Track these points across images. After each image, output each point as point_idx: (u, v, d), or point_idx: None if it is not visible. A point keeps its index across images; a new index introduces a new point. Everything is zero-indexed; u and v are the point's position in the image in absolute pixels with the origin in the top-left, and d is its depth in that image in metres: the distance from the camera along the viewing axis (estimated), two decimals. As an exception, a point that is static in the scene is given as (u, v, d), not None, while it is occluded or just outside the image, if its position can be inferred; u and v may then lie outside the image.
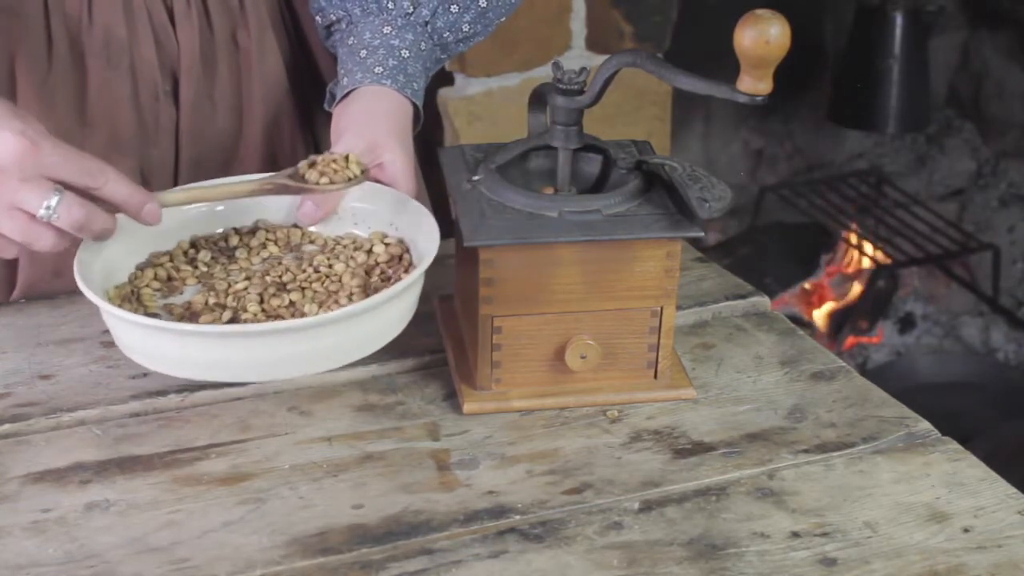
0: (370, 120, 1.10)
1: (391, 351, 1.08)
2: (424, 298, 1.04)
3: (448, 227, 1.04)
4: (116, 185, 0.98)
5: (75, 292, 1.15)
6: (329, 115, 1.16)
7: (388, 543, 0.89)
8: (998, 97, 2.94)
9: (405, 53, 1.14)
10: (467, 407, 1.02)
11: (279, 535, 0.89)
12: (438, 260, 1.02)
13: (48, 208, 0.95)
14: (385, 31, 1.14)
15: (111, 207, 0.99)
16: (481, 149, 1.07)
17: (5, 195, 0.95)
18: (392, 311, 0.99)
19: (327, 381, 1.05)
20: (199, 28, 1.18)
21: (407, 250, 1.07)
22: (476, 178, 1.02)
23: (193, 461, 0.96)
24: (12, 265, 1.20)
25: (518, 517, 0.91)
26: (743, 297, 1.18)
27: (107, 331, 1.10)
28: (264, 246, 1.09)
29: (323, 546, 0.88)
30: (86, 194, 0.97)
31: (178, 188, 1.05)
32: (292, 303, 1.02)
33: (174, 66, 1.18)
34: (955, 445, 1.00)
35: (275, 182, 1.05)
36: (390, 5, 1.15)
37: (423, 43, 1.16)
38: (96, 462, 0.96)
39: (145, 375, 1.05)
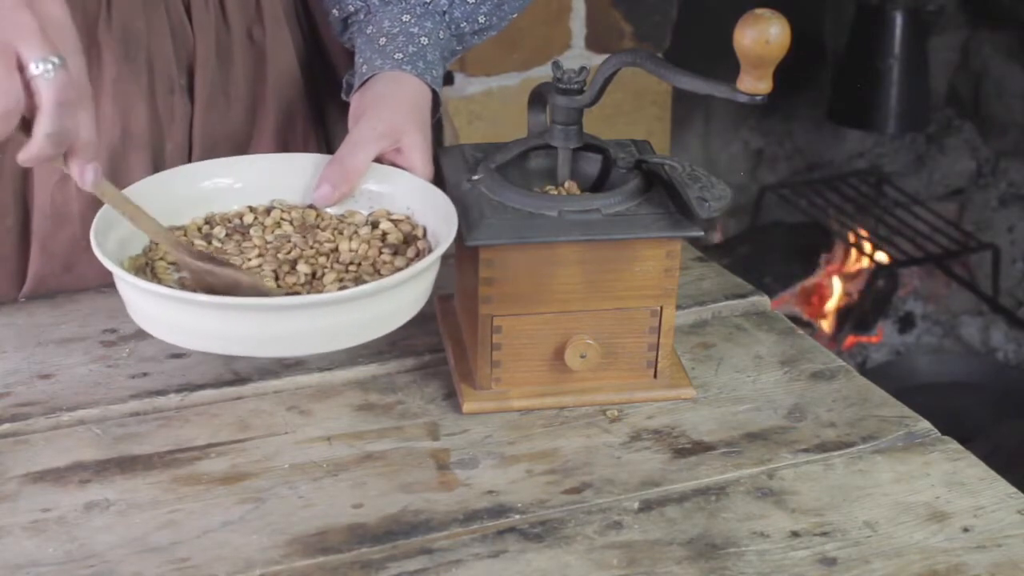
0: (389, 104, 1.10)
1: (391, 351, 1.08)
2: (432, 288, 1.04)
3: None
4: (89, 119, 0.90)
5: (81, 289, 1.16)
6: (341, 110, 1.16)
7: (388, 543, 0.89)
8: (998, 97, 2.94)
9: (424, 40, 1.14)
10: (467, 407, 1.02)
11: (279, 535, 0.89)
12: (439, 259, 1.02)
13: (49, 64, 0.86)
14: (404, 19, 1.15)
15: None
16: (481, 149, 1.07)
17: (14, 28, 0.85)
18: (411, 291, 0.99)
19: (327, 381, 1.05)
20: (215, 23, 1.18)
21: (424, 234, 1.07)
22: (476, 178, 1.02)
23: (193, 461, 0.96)
24: (23, 259, 1.20)
25: (518, 517, 0.91)
26: (743, 297, 1.18)
27: (107, 330, 1.10)
28: (279, 224, 1.09)
29: (323, 546, 0.88)
30: None
31: (123, 193, 0.99)
32: (310, 278, 1.02)
33: (190, 60, 1.19)
34: (955, 445, 1.00)
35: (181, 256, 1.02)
36: None
37: (441, 32, 1.16)
38: (96, 462, 0.96)
39: (145, 375, 1.05)
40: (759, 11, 0.91)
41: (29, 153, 0.89)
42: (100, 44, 1.15)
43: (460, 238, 0.99)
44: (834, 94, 2.83)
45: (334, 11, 1.19)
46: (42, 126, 0.88)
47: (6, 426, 0.99)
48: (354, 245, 1.05)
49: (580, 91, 1.01)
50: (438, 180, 1.09)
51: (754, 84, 0.93)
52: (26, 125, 0.89)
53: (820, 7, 2.87)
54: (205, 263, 1.00)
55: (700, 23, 2.27)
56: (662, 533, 0.90)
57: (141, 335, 1.09)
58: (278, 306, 0.95)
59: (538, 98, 1.07)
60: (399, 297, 0.99)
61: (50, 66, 0.86)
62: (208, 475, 0.95)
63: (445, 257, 1.01)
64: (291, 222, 1.09)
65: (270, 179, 1.11)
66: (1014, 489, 0.95)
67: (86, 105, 0.90)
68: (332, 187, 1.08)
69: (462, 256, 1.05)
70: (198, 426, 1.00)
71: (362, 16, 1.17)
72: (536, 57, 2.26)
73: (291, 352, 1.00)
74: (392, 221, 1.07)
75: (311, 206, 1.10)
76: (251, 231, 1.08)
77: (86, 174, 0.93)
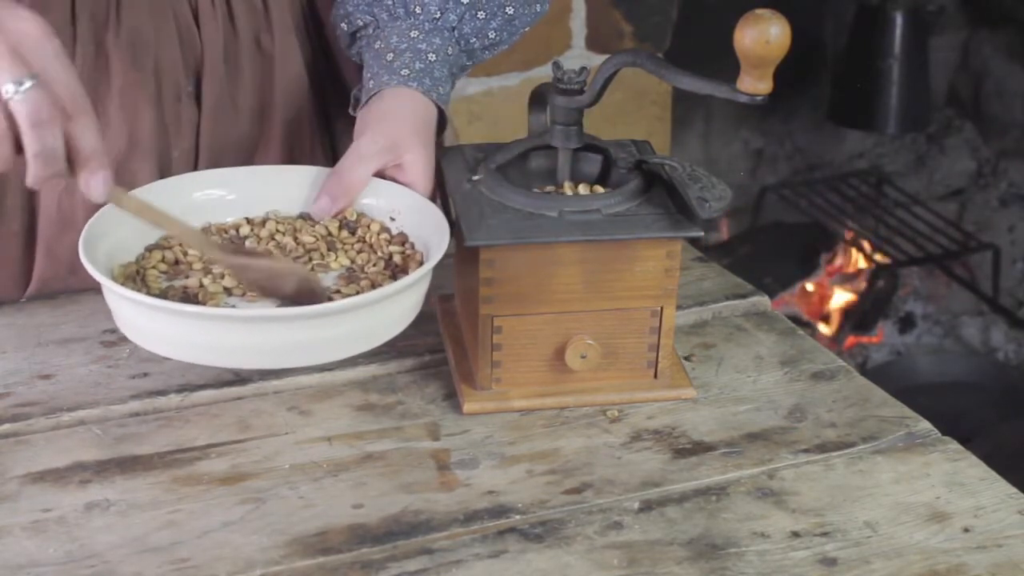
0: (393, 119, 1.10)
1: (391, 351, 1.08)
2: (424, 298, 1.04)
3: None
4: (88, 128, 0.89)
5: (85, 291, 1.16)
6: (349, 120, 1.15)
7: (388, 543, 0.89)
8: (998, 97, 2.94)
9: (432, 57, 1.13)
10: (467, 407, 1.02)
11: (279, 535, 0.89)
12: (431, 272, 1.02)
13: (19, 86, 0.84)
14: (412, 35, 1.14)
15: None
16: (481, 149, 1.07)
17: None
18: (401, 303, 1.00)
19: (327, 381, 1.05)
20: (223, 29, 1.18)
21: (412, 245, 1.07)
22: (476, 178, 1.02)
23: (193, 461, 0.96)
24: (28, 262, 1.20)
25: (518, 517, 0.91)
26: (743, 297, 1.18)
27: (107, 331, 1.10)
28: (272, 237, 1.09)
29: (323, 546, 0.88)
30: None
31: (136, 194, 0.99)
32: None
33: (198, 66, 1.18)
34: (955, 445, 1.00)
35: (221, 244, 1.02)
36: (417, 10, 1.15)
37: (450, 48, 1.15)
38: (96, 462, 0.96)
39: (145, 375, 1.05)
40: (759, 11, 0.91)
41: (29, 176, 0.89)
42: (108, 51, 1.15)
43: (460, 238, 0.99)
44: (834, 94, 2.83)
45: (343, 25, 1.19)
46: (27, 147, 0.87)
47: (6, 426, 0.99)
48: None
49: (580, 91, 1.01)
50: (438, 182, 1.09)
51: (754, 84, 0.93)
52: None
53: (820, 7, 2.87)
54: (240, 258, 1.00)
55: (700, 23, 2.27)
56: (662, 533, 0.90)
57: (141, 335, 1.09)
58: (263, 318, 0.95)
59: (538, 98, 1.07)
60: (388, 310, 0.99)
61: (21, 87, 0.85)
62: (208, 475, 0.95)
63: (444, 258, 1.01)
64: (284, 234, 1.09)
65: (267, 191, 1.11)
66: (1014, 489, 0.95)
67: (81, 116, 0.89)
68: (331, 200, 1.08)
69: (462, 256, 1.05)
70: (198, 426, 1.00)
71: (371, 31, 1.17)
72: (536, 57, 2.26)
73: (279, 364, 1.00)
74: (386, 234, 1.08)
75: (307, 217, 1.10)
76: (246, 243, 1.08)
77: (93, 186, 0.91)
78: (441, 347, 1.08)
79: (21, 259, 1.20)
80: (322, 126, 1.26)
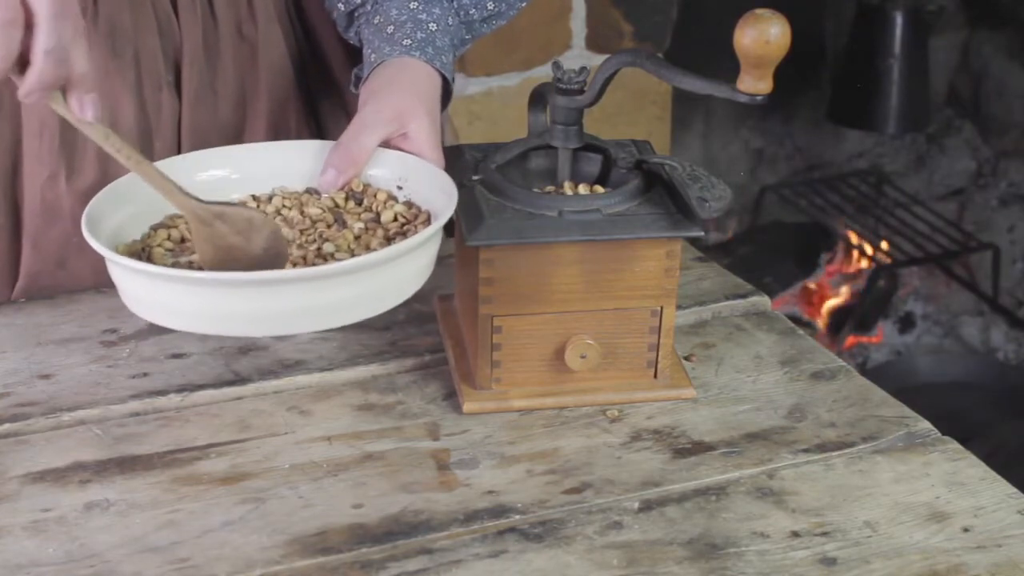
0: (396, 89, 1.08)
1: (391, 351, 1.08)
2: (424, 297, 1.04)
3: (449, 226, 1.03)
4: (85, 52, 0.90)
5: (78, 288, 1.16)
6: (335, 108, 1.14)
7: (388, 543, 0.89)
8: (998, 97, 2.94)
9: (433, 26, 1.13)
10: (467, 407, 1.02)
11: (279, 535, 0.89)
12: (438, 260, 1.02)
13: None
14: (412, 6, 1.14)
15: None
16: (481, 149, 1.07)
17: None
18: (415, 262, 0.97)
19: (327, 381, 1.05)
20: (202, 17, 1.18)
21: (420, 209, 1.05)
22: (476, 178, 1.02)
23: (193, 461, 0.96)
24: (15, 257, 1.20)
25: (518, 517, 0.91)
26: (743, 297, 1.18)
27: (107, 331, 1.10)
28: (279, 212, 1.07)
29: (323, 546, 0.88)
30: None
31: (123, 144, 0.97)
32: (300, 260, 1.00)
33: (177, 56, 1.18)
34: (955, 445, 1.00)
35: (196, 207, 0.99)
36: None
37: (450, 18, 1.15)
38: (96, 462, 0.96)
39: (145, 375, 1.05)
40: (759, 11, 0.91)
41: (30, 79, 0.89)
42: (86, 39, 1.14)
43: (460, 238, 0.99)
44: (834, 94, 2.83)
45: (340, 5, 1.19)
46: (40, 42, 0.87)
47: (6, 426, 0.99)
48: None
49: (580, 91, 1.01)
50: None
51: (754, 84, 0.93)
52: (22, 64, 0.89)
53: (820, 7, 2.87)
54: (216, 206, 0.98)
55: (700, 23, 2.27)
56: (662, 533, 0.90)
57: (141, 335, 1.09)
58: (273, 280, 0.92)
59: (538, 98, 1.07)
60: (400, 270, 0.97)
61: None
62: (208, 475, 0.95)
63: (444, 258, 1.00)
64: (291, 208, 1.07)
65: (270, 167, 1.09)
66: (1014, 489, 0.95)
67: (79, 38, 0.90)
68: (337, 172, 1.06)
69: (462, 256, 1.05)
70: (198, 426, 1.00)
71: (368, 7, 1.17)
72: (536, 57, 2.26)
73: (286, 331, 0.97)
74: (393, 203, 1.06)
75: (313, 191, 1.08)
76: None
77: (86, 106, 0.93)
78: (441, 347, 1.08)
79: (7, 254, 1.19)
80: (308, 114, 1.25)
